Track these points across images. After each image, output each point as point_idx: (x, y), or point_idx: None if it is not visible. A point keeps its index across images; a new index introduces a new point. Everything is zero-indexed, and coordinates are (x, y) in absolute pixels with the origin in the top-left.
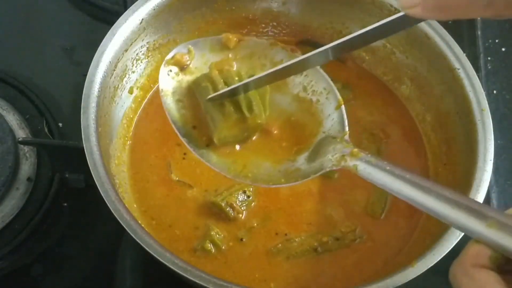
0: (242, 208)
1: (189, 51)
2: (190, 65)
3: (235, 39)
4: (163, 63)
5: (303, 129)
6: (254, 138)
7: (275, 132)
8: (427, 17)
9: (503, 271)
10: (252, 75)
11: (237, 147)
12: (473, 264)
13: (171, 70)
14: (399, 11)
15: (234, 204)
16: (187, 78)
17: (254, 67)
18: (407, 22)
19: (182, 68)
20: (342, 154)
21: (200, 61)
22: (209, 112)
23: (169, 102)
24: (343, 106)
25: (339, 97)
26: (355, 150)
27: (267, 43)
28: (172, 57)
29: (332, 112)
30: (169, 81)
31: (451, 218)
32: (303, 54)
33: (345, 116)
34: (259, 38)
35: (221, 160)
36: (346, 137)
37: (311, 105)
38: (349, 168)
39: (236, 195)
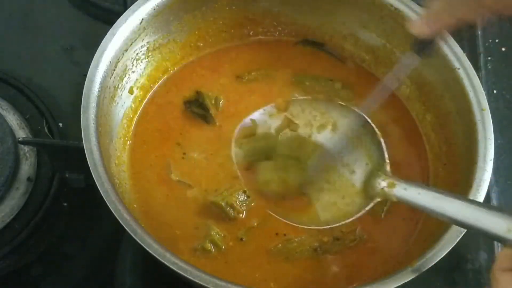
0: (242, 208)
1: (252, 123)
2: (256, 134)
3: (284, 102)
4: (233, 142)
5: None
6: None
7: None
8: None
9: None
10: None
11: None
12: (499, 267)
13: (242, 143)
14: (398, 11)
15: (234, 204)
16: (255, 143)
17: (307, 120)
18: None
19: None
20: (382, 187)
21: (264, 127)
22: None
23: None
24: (381, 139)
25: (377, 131)
26: (391, 181)
27: (312, 99)
28: (240, 134)
29: (372, 145)
30: (242, 149)
31: (478, 225)
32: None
33: (384, 148)
34: (302, 96)
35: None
36: (387, 167)
37: (353, 141)
38: (390, 198)
39: (236, 195)
